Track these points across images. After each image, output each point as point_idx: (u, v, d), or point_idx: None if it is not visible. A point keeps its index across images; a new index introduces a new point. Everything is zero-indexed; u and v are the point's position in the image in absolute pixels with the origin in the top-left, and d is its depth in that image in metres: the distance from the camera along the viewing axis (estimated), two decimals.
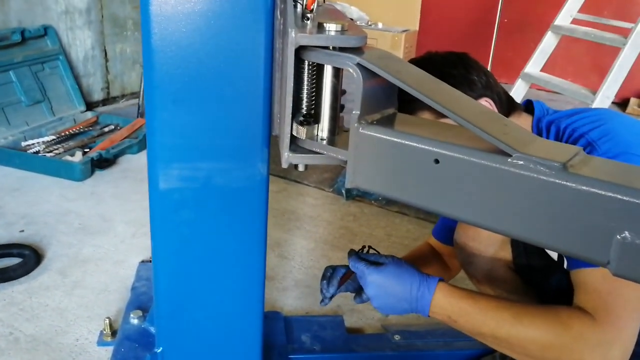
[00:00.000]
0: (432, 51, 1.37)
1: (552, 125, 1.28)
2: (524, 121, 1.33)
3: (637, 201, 0.69)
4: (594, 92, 3.18)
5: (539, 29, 4.37)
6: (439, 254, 1.65)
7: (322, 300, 1.37)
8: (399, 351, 1.67)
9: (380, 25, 5.60)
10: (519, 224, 0.80)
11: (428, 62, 1.31)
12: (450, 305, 1.12)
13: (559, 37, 3.57)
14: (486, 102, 1.30)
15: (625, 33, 3.19)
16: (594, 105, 3.12)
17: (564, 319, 1.06)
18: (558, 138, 1.26)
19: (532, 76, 3.56)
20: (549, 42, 3.58)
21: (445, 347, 1.70)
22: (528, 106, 1.38)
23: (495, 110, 1.30)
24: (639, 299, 1.05)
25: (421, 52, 6.38)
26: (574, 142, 1.21)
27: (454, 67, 1.32)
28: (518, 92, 3.63)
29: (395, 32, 5.30)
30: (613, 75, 3.07)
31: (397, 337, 1.71)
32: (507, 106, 1.34)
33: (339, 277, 1.35)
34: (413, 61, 1.29)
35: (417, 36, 5.50)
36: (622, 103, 4.70)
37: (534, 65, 3.60)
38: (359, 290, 1.34)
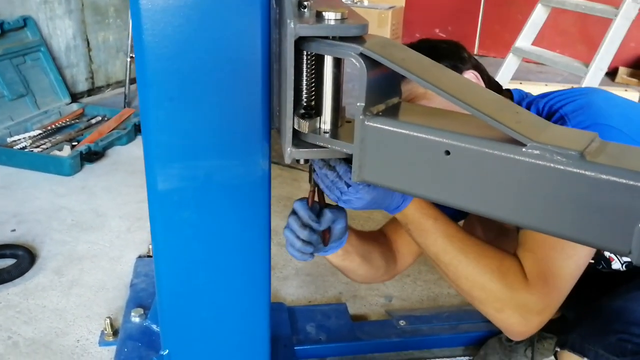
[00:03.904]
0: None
1: (532, 106, 1.30)
2: None
3: None
4: (587, 64, 3.16)
5: (526, 1, 4.33)
6: (391, 241, 1.47)
7: (305, 253, 1.14)
8: (404, 337, 1.66)
9: (366, 2, 5.52)
10: (535, 215, 0.77)
11: (420, 43, 1.34)
12: (413, 217, 1.12)
13: (549, 9, 3.52)
14: (473, 75, 1.29)
15: (616, 3, 3.16)
16: (587, 77, 3.10)
17: (503, 268, 1.09)
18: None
19: (523, 50, 3.53)
20: (538, 15, 3.54)
21: (451, 330, 1.69)
22: (506, 94, 1.39)
23: (482, 83, 1.29)
24: (572, 269, 1.08)
25: (408, 28, 6.25)
26: (550, 117, 1.20)
27: (444, 42, 1.37)
28: (510, 66, 3.59)
29: (381, 9, 5.23)
30: (605, 46, 3.04)
31: (402, 323, 1.70)
32: (495, 90, 1.34)
33: (306, 206, 1.13)
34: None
35: (403, 12, 5.43)
36: (611, 72, 4.67)
37: (524, 39, 3.56)
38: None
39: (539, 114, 1.25)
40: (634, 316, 1.17)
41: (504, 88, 1.40)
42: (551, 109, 1.22)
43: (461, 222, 1.58)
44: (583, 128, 1.11)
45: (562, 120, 1.16)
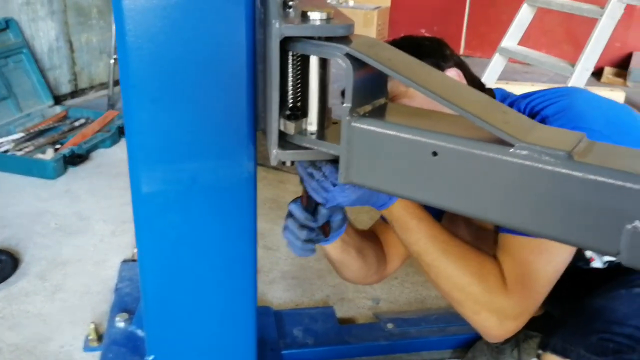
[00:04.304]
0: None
1: (514, 107, 1.29)
2: None
3: None
4: (572, 64, 3.17)
5: (512, 1, 4.35)
6: (380, 241, 1.47)
7: (307, 250, 1.17)
8: (392, 340, 1.65)
9: (351, 3, 5.52)
10: (523, 216, 0.77)
11: (403, 40, 1.33)
12: (398, 215, 1.13)
13: (535, 9, 3.53)
14: (455, 72, 1.28)
15: (601, 3, 3.17)
16: (573, 77, 3.11)
17: (484, 272, 1.10)
18: None
19: (509, 50, 3.54)
20: (524, 15, 3.55)
21: (439, 333, 1.69)
22: (489, 93, 1.38)
23: (464, 81, 1.29)
24: (550, 274, 1.09)
25: (394, 29, 6.26)
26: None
27: (427, 39, 1.36)
28: (496, 66, 3.60)
29: (367, 10, 5.23)
30: (591, 46, 3.05)
31: (390, 326, 1.69)
32: (478, 88, 1.33)
33: (301, 207, 1.14)
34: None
35: (389, 13, 5.43)
36: (596, 72, 4.71)
37: (510, 39, 3.57)
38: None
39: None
40: (614, 315, 1.16)
41: (488, 88, 1.39)
42: (532, 110, 1.21)
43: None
44: None
45: (543, 123, 1.15)
